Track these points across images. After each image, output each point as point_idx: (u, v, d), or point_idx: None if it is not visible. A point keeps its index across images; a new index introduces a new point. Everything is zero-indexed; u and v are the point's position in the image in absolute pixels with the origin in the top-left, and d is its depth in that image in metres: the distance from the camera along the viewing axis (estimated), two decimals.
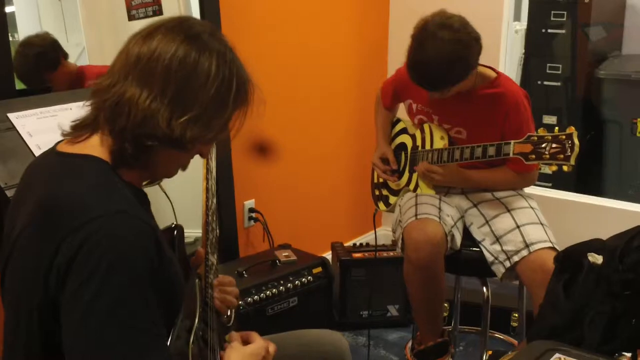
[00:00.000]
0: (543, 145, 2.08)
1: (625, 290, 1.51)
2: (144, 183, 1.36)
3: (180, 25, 1.26)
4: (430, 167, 2.39)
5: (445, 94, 2.28)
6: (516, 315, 2.82)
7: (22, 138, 1.79)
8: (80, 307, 1.09)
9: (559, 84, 3.78)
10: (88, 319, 1.09)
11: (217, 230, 1.60)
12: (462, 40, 2.17)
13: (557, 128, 2.10)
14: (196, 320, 1.37)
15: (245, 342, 1.44)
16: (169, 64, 1.21)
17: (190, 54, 1.22)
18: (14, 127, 1.80)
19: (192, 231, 1.73)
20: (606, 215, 3.30)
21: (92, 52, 2.68)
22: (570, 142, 2.04)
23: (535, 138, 2.10)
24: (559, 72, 3.76)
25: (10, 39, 2.36)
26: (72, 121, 1.30)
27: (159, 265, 1.17)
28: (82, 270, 1.10)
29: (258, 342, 1.43)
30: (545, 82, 3.80)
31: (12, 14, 2.47)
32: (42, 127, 1.83)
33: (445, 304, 2.95)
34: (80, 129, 1.27)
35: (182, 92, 1.22)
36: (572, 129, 2.05)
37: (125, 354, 1.10)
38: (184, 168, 1.37)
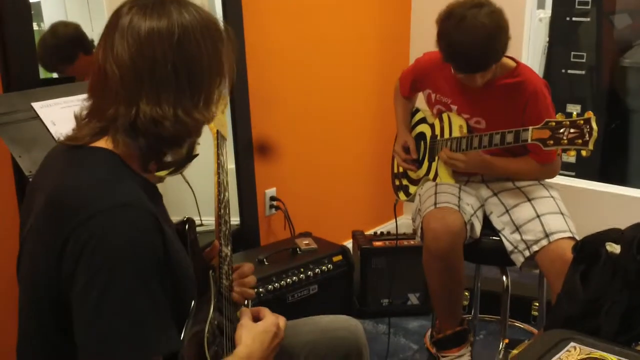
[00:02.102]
0: (561, 131, 2.06)
1: None
2: (165, 172, 1.38)
3: (147, 5, 1.23)
4: (452, 155, 2.38)
5: (488, 74, 2.27)
6: (537, 304, 2.81)
7: (46, 127, 1.82)
8: (89, 301, 1.11)
9: (583, 72, 3.74)
10: (97, 313, 1.11)
11: (230, 223, 1.62)
12: (497, 12, 2.19)
13: (575, 113, 2.09)
14: (211, 310, 1.39)
15: (256, 317, 1.45)
16: (169, 59, 1.20)
17: (176, 32, 1.20)
18: (38, 116, 1.84)
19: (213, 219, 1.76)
20: (630, 204, 3.27)
21: None
22: (588, 126, 2.02)
23: (553, 123, 2.08)
24: (584, 60, 3.72)
25: (36, 28, 2.39)
26: (71, 135, 1.29)
27: (165, 255, 1.18)
28: (89, 265, 1.11)
29: (268, 318, 1.43)
30: (570, 71, 3.76)
31: (38, 3, 2.50)
32: (66, 116, 1.85)
33: (466, 293, 2.95)
34: (84, 139, 1.26)
35: (192, 73, 1.23)
36: (590, 114, 2.03)
37: (133, 346, 1.12)
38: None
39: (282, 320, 1.46)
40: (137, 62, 1.19)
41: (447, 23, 2.20)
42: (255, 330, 1.39)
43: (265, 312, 1.47)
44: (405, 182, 2.74)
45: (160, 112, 1.20)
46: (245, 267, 1.61)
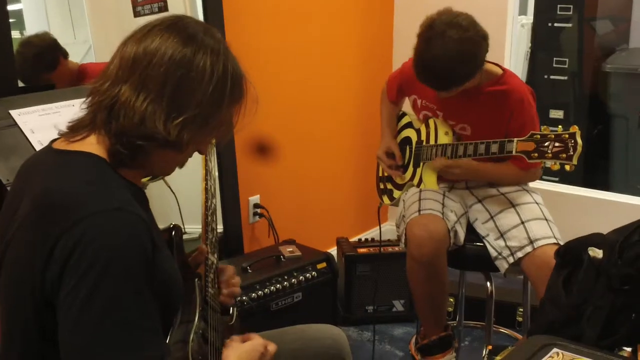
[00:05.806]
0: (546, 144, 2.07)
1: (624, 285, 1.50)
2: (147, 179, 1.37)
3: (175, 25, 1.26)
4: (448, 163, 2.36)
5: (452, 92, 2.27)
6: (521, 310, 2.81)
7: (24, 135, 1.80)
8: (76, 304, 1.10)
9: (565, 78, 3.76)
10: (84, 316, 1.10)
11: (217, 230, 1.61)
12: (471, 39, 2.15)
13: (560, 127, 2.09)
14: (196, 319, 1.38)
15: (245, 342, 1.44)
16: (165, 65, 1.22)
17: (185, 55, 1.23)
18: (16, 124, 1.82)
19: (198, 227, 1.75)
20: (613, 209, 3.28)
21: (98, 49, 2.69)
22: (573, 141, 2.03)
23: (538, 136, 2.09)
24: (566, 66, 3.74)
25: (19, 35, 2.37)
26: (69, 122, 1.30)
27: (154, 260, 1.17)
28: (77, 267, 1.10)
29: (257, 340, 1.43)
30: (552, 77, 3.78)
31: (20, 11, 2.48)
32: (45, 123, 1.84)
33: (451, 299, 2.95)
34: (77, 130, 1.27)
35: (178, 93, 1.23)
36: (575, 128, 2.04)
37: (121, 350, 1.11)
38: (181, 166, 1.37)
39: (272, 346, 1.45)
40: (139, 57, 1.23)
41: (423, 34, 2.20)
42: (241, 349, 1.39)
43: (255, 335, 1.47)
44: (389, 186, 2.74)
45: (133, 103, 1.21)
46: (229, 270, 1.61)
